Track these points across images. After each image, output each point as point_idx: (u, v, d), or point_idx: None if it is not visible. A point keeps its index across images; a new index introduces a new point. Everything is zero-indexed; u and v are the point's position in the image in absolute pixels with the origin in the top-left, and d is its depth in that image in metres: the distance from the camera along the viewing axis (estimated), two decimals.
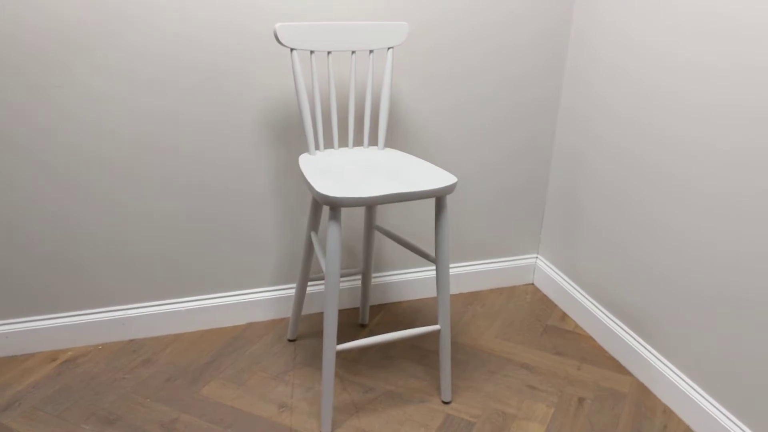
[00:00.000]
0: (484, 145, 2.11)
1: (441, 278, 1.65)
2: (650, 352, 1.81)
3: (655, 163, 1.73)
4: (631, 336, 1.89)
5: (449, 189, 1.54)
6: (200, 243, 1.95)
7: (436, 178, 1.56)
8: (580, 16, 1.99)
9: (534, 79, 2.07)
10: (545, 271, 2.30)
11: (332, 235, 1.50)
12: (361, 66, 1.89)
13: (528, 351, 1.98)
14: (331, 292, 1.53)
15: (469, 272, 2.27)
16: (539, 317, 2.16)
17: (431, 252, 2.20)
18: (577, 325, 2.12)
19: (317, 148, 1.89)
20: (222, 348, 1.95)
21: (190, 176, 1.86)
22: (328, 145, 1.95)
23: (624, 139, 1.84)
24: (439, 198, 1.59)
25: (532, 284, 2.38)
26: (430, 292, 2.27)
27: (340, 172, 1.60)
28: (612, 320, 1.97)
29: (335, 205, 1.47)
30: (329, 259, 1.51)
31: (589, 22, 1.95)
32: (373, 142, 1.99)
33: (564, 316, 2.17)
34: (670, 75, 1.65)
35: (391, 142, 2.01)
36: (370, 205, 1.48)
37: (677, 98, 1.64)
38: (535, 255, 2.35)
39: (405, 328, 2.07)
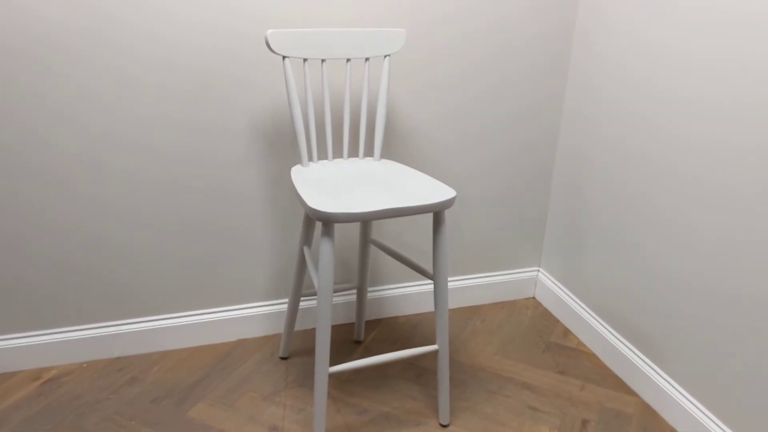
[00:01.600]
0: (484, 156, 2.06)
1: (439, 296, 1.60)
2: (657, 372, 1.76)
3: (663, 170, 1.68)
4: (637, 355, 1.83)
5: (448, 203, 1.49)
6: (189, 256, 1.90)
7: (434, 191, 1.51)
8: (585, 15, 1.94)
9: (535, 82, 2.02)
10: (547, 285, 2.24)
11: (325, 252, 1.44)
12: (357, 74, 1.84)
13: (529, 369, 1.92)
14: (323, 313, 1.48)
15: (468, 285, 2.22)
16: (541, 333, 2.11)
17: (429, 267, 2.15)
18: (580, 342, 2.07)
19: (310, 159, 1.84)
20: (211, 366, 1.90)
21: (178, 185, 1.81)
22: (322, 155, 1.90)
23: (631, 146, 1.79)
24: (437, 213, 1.54)
25: (534, 298, 2.33)
26: (429, 306, 2.22)
27: (334, 185, 1.55)
28: (616, 337, 1.92)
29: (328, 221, 1.42)
30: (321, 278, 1.46)
31: (594, 21, 1.90)
32: (369, 152, 1.94)
33: (566, 332, 2.12)
34: (679, 73, 1.60)
35: (388, 153, 1.96)
36: (365, 220, 1.43)
37: (688, 100, 1.59)
38: (536, 268, 2.30)
39: (402, 345, 2.02)
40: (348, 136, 1.72)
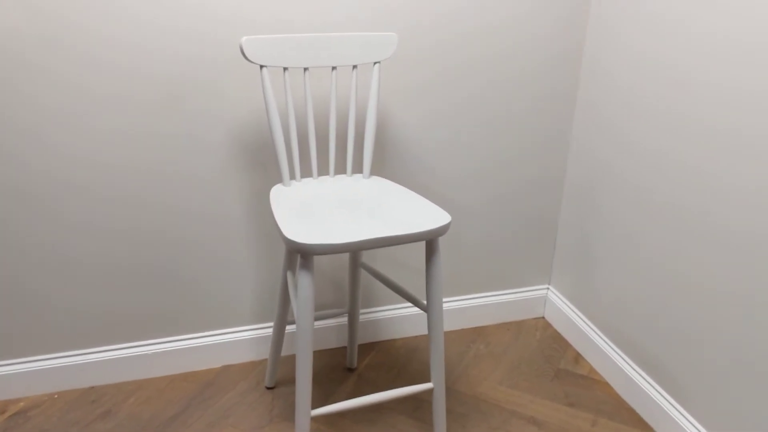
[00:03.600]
0: (486, 164, 1.92)
1: (433, 329, 1.47)
2: (677, 409, 1.62)
3: (690, 177, 1.53)
4: (654, 387, 1.70)
5: (441, 230, 1.36)
6: (167, 279, 1.78)
7: (426, 216, 1.38)
8: (594, 39, 1.79)
9: (544, 106, 1.87)
10: (557, 305, 2.11)
11: (303, 286, 1.32)
12: (343, 83, 1.71)
13: (536, 401, 1.79)
14: (303, 356, 1.36)
15: (472, 305, 2.09)
16: (550, 358, 1.98)
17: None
18: (592, 369, 1.93)
19: (293, 177, 1.72)
20: (191, 397, 1.79)
21: (152, 203, 1.69)
22: (306, 173, 1.77)
23: (652, 150, 1.65)
24: (430, 241, 1.41)
25: (543, 318, 2.19)
26: (427, 327, 2.08)
27: (316, 208, 1.42)
28: (632, 367, 1.78)
29: (306, 254, 1.29)
30: (300, 317, 1.34)
31: (604, 44, 1.75)
32: (358, 168, 1.80)
33: (578, 358, 1.98)
34: (692, 97, 1.45)
35: (380, 167, 1.82)
36: (347, 252, 1.30)
37: (702, 125, 1.44)
38: (546, 286, 2.16)
39: (399, 372, 1.89)
40: (334, 151, 1.59)
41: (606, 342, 1.88)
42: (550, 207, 2.03)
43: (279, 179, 1.77)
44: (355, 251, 1.40)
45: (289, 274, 1.57)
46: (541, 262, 2.11)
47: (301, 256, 1.30)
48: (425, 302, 1.49)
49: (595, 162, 1.86)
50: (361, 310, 2.00)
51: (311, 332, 1.35)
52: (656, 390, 1.69)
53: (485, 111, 1.85)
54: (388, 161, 1.82)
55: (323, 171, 1.78)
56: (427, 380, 1.87)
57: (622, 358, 1.81)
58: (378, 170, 1.82)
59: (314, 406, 1.75)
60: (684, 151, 1.52)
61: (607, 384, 1.86)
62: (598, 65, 1.81)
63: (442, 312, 1.48)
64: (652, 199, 1.64)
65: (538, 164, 1.96)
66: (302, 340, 1.35)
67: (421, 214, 1.39)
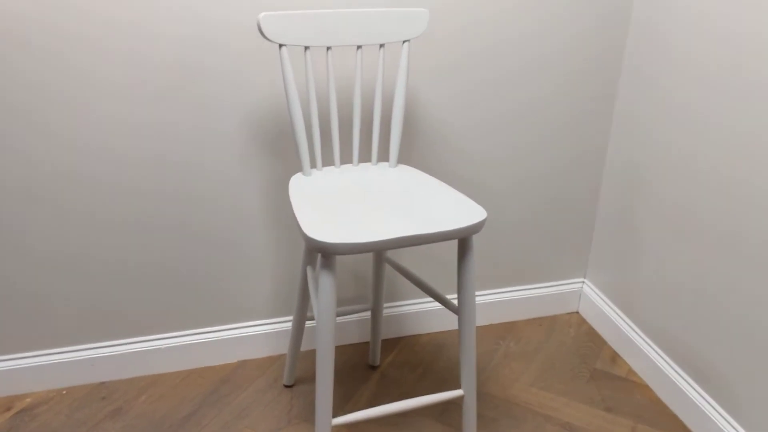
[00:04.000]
0: (521, 150, 1.79)
1: (465, 333, 1.36)
2: (726, 419, 1.51)
3: (743, 176, 1.40)
4: (700, 394, 1.58)
5: (476, 228, 1.24)
6: (182, 271, 1.69)
7: (459, 211, 1.26)
8: (643, 2, 1.65)
9: (583, 79, 1.74)
10: (593, 299, 1.99)
11: (325, 287, 1.21)
12: (369, 63, 1.59)
13: (571, 405, 1.69)
14: (324, 363, 1.26)
15: (502, 300, 1.98)
16: (585, 358, 1.86)
17: (454, 285, 1.91)
18: (630, 370, 1.82)
19: (314, 166, 1.61)
20: (206, 395, 1.70)
21: (165, 194, 1.59)
22: (328, 161, 1.66)
23: (709, 126, 1.51)
24: (464, 239, 1.30)
25: (577, 313, 2.08)
26: (455, 323, 1.98)
27: (339, 202, 1.31)
28: (674, 369, 1.66)
29: (328, 254, 1.19)
30: (321, 320, 1.23)
31: (654, 3, 1.61)
32: (384, 157, 1.69)
33: (615, 357, 1.87)
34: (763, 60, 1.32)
35: (407, 155, 1.70)
36: (372, 252, 1.20)
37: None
38: (581, 279, 2.04)
39: (425, 370, 1.79)
40: (358, 138, 1.48)
41: (646, 341, 1.77)
42: (588, 193, 1.91)
43: (298, 168, 1.66)
44: (381, 250, 1.28)
45: (309, 269, 1.47)
46: (577, 253, 1.99)
47: (322, 255, 1.20)
48: (455, 302, 1.39)
49: (642, 141, 1.72)
50: (385, 304, 1.90)
51: (333, 340, 1.25)
52: (703, 397, 1.57)
53: (519, 92, 1.72)
54: (416, 148, 1.70)
55: (346, 159, 1.67)
56: (455, 381, 1.77)
57: (665, 360, 1.70)
58: (405, 158, 1.71)
59: (335, 407, 1.66)
60: (753, 126, 1.39)
61: (647, 387, 1.75)
62: (647, 27, 1.66)
63: (475, 315, 1.37)
64: (708, 183, 1.51)
65: (576, 147, 1.83)
66: (323, 349, 1.25)
67: (454, 209, 1.28)
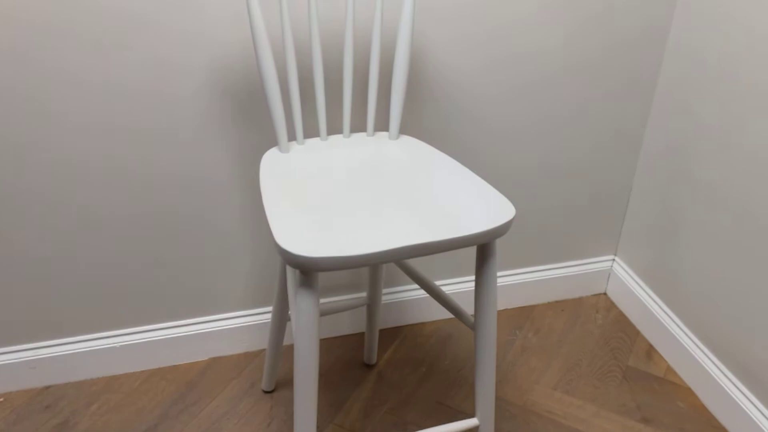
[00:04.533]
0: (551, 116, 1.48)
1: (482, 357, 1.09)
2: None
3: None
4: (753, 404, 1.33)
5: (501, 230, 0.95)
6: (140, 255, 1.40)
7: (481, 205, 0.97)
8: None
9: (628, 41, 1.41)
10: (624, 280, 1.72)
11: (305, 310, 0.93)
12: (364, 2, 1.26)
13: (602, 414, 1.44)
14: (304, 401, 0.99)
15: (519, 282, 1.70)
16: (616, 352, 1.61)
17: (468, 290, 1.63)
18: (669, 369, 1.56)
19: (293, 138, 1.30)
20: (170, 404, 1.44)
21: (119, 165, 1.29)
22: (311, 131, 1.34)
23: (747, 114, 1.21)
24: (485, 244, 1.01)
25: (605, 295, 1.81)
26: (465, 310, 1.72)
27: (323, 192, 1.01)
28: (724, 373, 1.41)
29: (309, 270, 0.90)
30: (300, 348, 0.96)
31: None
32: (383, 125, 1.37)
33: (650, 352, 1.61)
34: None
35: (411, 124, 1.39)
36: (370, 265, 0.92)
37: None
38: (611, 257, 1.77)
39: (429, 370, 1.53)
40: (350, 100, 1.16)
41: (688, 335, 1.51)
42: (624, 159, 1.61)
43: (274, 141, 1.35)
44: (379, 263, 0.99)
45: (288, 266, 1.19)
46: (607, 226, 1.70)
47: (301, 272, 0.91)
48: (472, 314, 1.11)
49: (690, 109, 1.41)
50: (384, 290, 1.62)
51: (315, 372, 0.98)
52: (759, 410, 1.32)
53: (552, 52, 1.39)
54: (424, 114, 1.38)
55: (335, 128, 1.35)
56: (465, 384, 1.51)
57: (710, 360, 1.44)
58: (409, 127, 1.39)
59: (322, 418, 1.41)
60: None
61: (689, 390, 1.50)
62: None
63: (495, 335, 1.10)
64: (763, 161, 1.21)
65: (614, 112, 1.52)
66: (303, 383, 0.98)
67: (474, 202, 0.98)
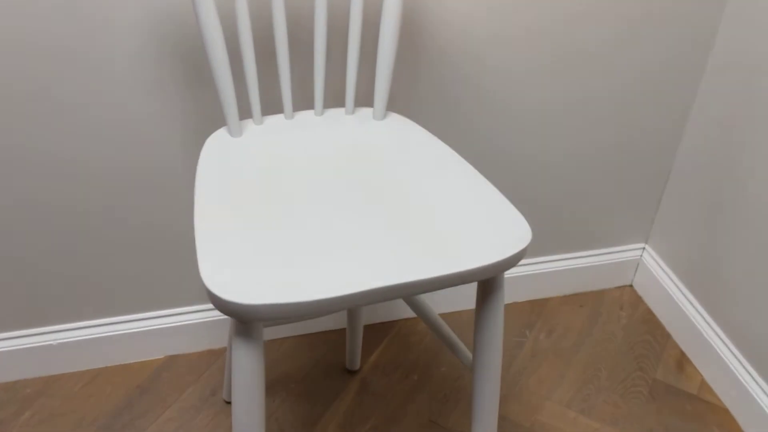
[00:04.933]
0: (584, 103, 1.21)
1: (482, 401, 0.86)
2: None
3: None
4: None
5: (513, 261, 0.71)
6: (79, 242, 1.17)
7: (487, 226, 0.72)
8: None
9: (681, 15, 1.12)
10: (654, 272, 1.47)
11: (243, 372, 0.70)
12: None
13: None
14: None
15: (531, 273, 1.46)
16: (642, 360, 1.38)
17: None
18: (704, 383, 1.34)
19: (245, 115, 1.04)
20: (115, 412, 1.23)
21: (49, 144, 1.04)
22: (273, 106, 1.08)
23: None
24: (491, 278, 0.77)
25: (631, 287, 1.57)
26: (461, 303, 1.47)
27: (279, 198, 0.76)
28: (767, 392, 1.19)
29: (246, 320, 0.67)
30: (237, 419, 0.73)
31: None
32: (365, 100, 1.10)
33: (682, 361, 1.38)
34: None
35: (400, 98, 1.12)
36: (332, 313, 0.68)
37: None
38: (641, 245, 1.52)
39: (421, 378, 1.31)
40: (323, 67, 0.90)
41: (727, 345, 1.27)
42: (663, 135, 1.34)
43: (223, 120, 1.08)
44: (349, 308, 0.74)
45: None
46: (640, 210, 1.44)
47: (237, 321, 0.68)
48: (469, 353, 0.88)
49: (746, 77, 1.14)
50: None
51: None
52: None
53: (590, 22, 1.11)
54: (419, 86, 1.11)
55: (302, 103, 1.08)
56: (461, 397, 1.29)
57: (753, 377, 1.21)
58: (398, 102, 1.13)
59: None
60: None
61: (726, 412, 1.28)
62: None
63: (499, 377, 0.87)
64: None
65: (659, 81, 1.24)
66: None
67: (478, 220, 0.74)
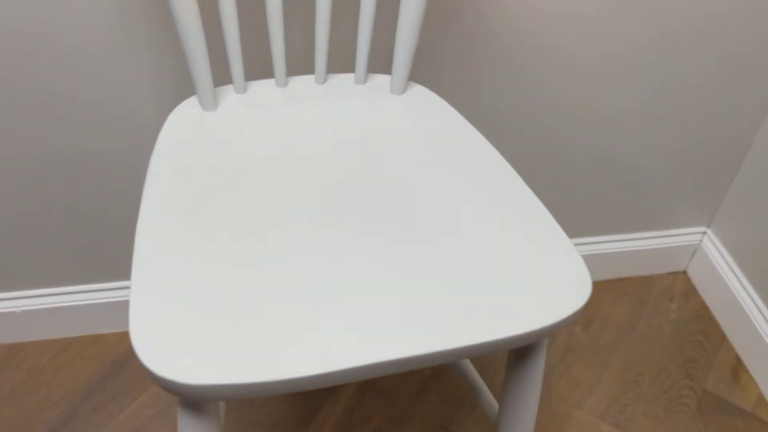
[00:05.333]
0: (650, 42, 0.97)
1: None
2: None
3: None
4: None
5: (562, 324, 0.52)
6: (52, 208, 0.99)
7: (533, 273, 0.53)
8: None
9: None
10: (714, 260, 1.27)
11: None
12: None
13: None
14: None
15: None
16: (691, 365, 1.19)
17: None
18: (761, 398, 1.15)
19: (222, 80, 0.84)
20: (84, 392, 1.08)
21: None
22: (259, 69, 0.86)
23: None
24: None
25: (684, 274, 1.36)
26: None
27: (251, 212, 0.57)
28: None
29: (191, 400, 0.49)
30: None
31: None
32: (380, 64, 0.88)
33: (737, 368, 1.20)
34: None
35: (427, 68, 0.90)
36: (304, 390, 0.50)
37: None
38: (702, 229, 1.30)
39: (429, 379, 1.14)
40: (328, 15, 0.69)
41: None
42: (750, 107, 1.10)
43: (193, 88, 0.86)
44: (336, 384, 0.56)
45: None
46: (705, 190, 1.23)
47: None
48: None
49: None
50: None
51: None
52: None
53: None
54: (447, 50, 0.89)
55: (297, 66, 0.87)
56: (475, 406, 1.13)
57: None
58: (423, 70, 0.90)
59: None
60: None
61: None
62: None
63: None
64: None
65: (743, 40, 1.00)
66: None
67: (526, 263, 0.54)
